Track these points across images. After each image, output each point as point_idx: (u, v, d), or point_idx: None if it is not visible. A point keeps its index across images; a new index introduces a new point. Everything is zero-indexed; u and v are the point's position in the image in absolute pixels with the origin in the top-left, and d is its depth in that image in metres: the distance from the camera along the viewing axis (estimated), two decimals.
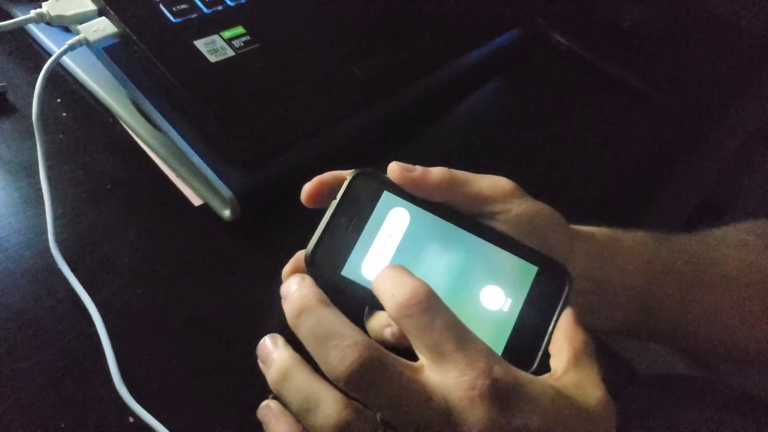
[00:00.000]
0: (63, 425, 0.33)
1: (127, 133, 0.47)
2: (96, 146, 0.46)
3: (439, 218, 0.34)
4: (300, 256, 0.33)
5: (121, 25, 0.43)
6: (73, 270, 0.38)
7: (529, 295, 0.33)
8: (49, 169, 0.40)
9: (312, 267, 0.32)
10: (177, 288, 0.40)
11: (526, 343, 0.32)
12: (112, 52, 0.43)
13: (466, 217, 0.35)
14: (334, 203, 0.33)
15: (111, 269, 0.40)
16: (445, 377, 0.27)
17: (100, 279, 0.39)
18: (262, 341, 0.30)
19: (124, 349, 0.36)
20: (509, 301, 0.33)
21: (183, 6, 0.46)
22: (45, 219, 0.39)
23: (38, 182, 0.40)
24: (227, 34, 0.46)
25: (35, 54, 0.49)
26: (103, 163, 0.45)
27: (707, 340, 0.47)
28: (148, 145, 0.46)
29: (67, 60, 0.48)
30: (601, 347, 0.72)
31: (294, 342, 0.29)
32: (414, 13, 0.57)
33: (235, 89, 0.45)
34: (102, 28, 0.43)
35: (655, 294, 0.42)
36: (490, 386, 0.26)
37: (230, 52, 0.46)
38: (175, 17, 0.45)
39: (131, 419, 0.34)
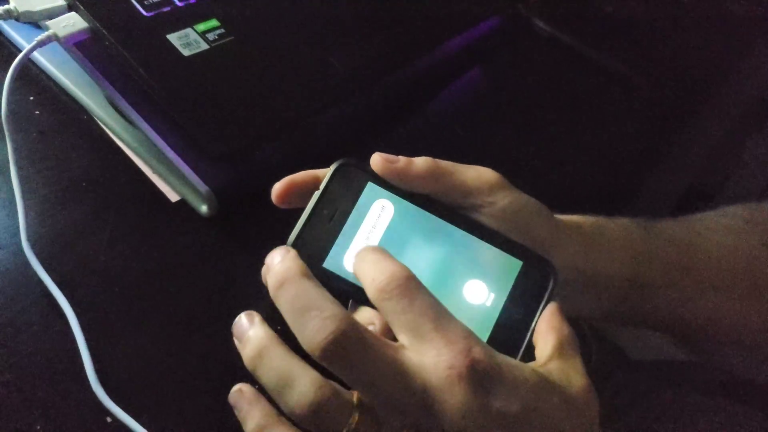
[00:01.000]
0: (39, 427, 0.33)
1: (101, 129, 0.46)
2: (70, 143, 0.45)
3: (423, 211, 0.34)
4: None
5: (91, 20, 0.42)
6: (48, 270, 0.37)
7: (513, 289, 0.33)
8: (21, 168, 0.40)
9: None
10: (154, 286, 0.40)
11: (510, 337, 0.32)
12: (83, 48, 0.43)
13: (451, 209, 0.35)
14: (317, 194, 0.33)
15: (87, 268, 0.39)
16: (423, 357, 0.26)
17: (76, 279, 0.38)
18: (237, 318, 0.30)
19: (100, 349, 0.36)
20: (492, 295, 0.33)
21: None
22: (17, 219, 0.38)
23: (9, 181, 0.39)
24: (201, 27, 0.46)
25: (6, 51, 0.48)
26: (78, 160, 0.44)
27: (694, 323, 0.47)
28: (123, 142, 0.45)
29: (39, 57, 0.47)
30: (592, 333, 0.73)
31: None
32: (392, 1, 0.56)
33: (210, 83, 0.44)
34: (72, 23, 0.42)
35: (641, 281, 0.42)
36: (468, 366, 0.26)
37: (204, 46, 0.45)
38: (147, 11, 0.45)
39: (109, 419, 0.34)
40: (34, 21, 0.42)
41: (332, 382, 0.27)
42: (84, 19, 0.42)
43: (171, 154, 0.42)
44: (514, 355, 0.31)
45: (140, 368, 0.36)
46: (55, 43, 0.42)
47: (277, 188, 0.34)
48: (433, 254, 0.33)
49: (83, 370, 0.34)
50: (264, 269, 0.30)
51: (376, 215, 0.33)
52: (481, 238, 0.34)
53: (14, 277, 0.37)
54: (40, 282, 0.37)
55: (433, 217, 0.34)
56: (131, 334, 0.37)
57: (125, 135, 0.45)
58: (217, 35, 0.46)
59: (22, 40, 0.47)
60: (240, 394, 0.30)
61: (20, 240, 0.38)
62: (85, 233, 0.41)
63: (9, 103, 0.39)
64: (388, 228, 0.33)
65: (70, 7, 0.43)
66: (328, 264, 0.32)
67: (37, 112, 0.46)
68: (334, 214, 0.33)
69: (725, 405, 0.54)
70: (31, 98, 0.47)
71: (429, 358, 0.26)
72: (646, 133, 0.65)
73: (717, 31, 0.74)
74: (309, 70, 0.48)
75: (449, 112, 0.57)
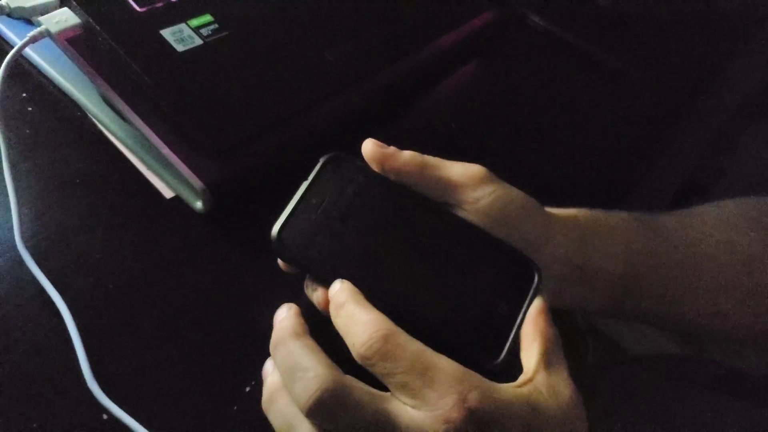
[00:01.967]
0: (35, 425, 0.33)
1: (96, 126, 0.46)
2: (64, 140, 0.45)
3: (410, 206, 0.34)
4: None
5: (84, 16, 0.42)
6: (42, 267, 0.37)
7: (497, 287, 0.33)
8: (14, 166, 0.39)
9: (278, 244, 0.32)
10: (149, 282, 0.39)
11: (493, 335, 0.32)
12: (75, 44, 0.43)
13: (438, 207, 0.35)
14: (306, 184, 0.33)
15: (81, 266, 0.39)
16: (417, 412, 0.26)
17: (70, 276, 0.38)
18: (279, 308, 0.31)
19: (95, 346, 0.35)
20: (477, 292, 0.33)
21: None
22: (11, 217, 0.38)
23: (3, 179, 0.39)
24: (195, 22, 0.46)
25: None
26: (72, 157, 0.44)
27: (689, 318, 0.47)
28: (117, 138, 0.45)
29: (31, 53, 0.46)
30: (589, 328, 0.73)
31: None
32: None
33: (204, 78, 0.44)
34: (64, 18, 0.42)
35: (636, 276, 0.42)
36: (465, 418, 0.26)
37: (198, 41, 0.45)
38: (140, 6, 0.44)
39: (105, 416, 0.34)
40: (26, 17, 0.42)
41: (344, 383, 0.27)
42: (76, 14, 0.42)
43: (165, 151, 0.42)
44: (497, 355, 0.31)
45: (136, 365, 0.36)
46: (47, 39, 0.42)
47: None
48: (419, 250, 0.33)
49: (78, 367, 0.34)
50: None
51: (364, 208, 0.34)
52: (467, 235, 0.34)
53: (8, 275, 0.37)
54: (35, 280, 0.37)
55: (419, 213, 0.34)
56: (126, 331, 0.37)
57: (119, 131, 0.45)
58: (211, 30, 0.46)
59: (14, 36, 0.46)
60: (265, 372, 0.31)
61: (14, 238, 0.38)
62: (80, 231, 0.40)
63: (1, 100, 0.39)
64: (375, 221, 0.33)
65: (63, 3, 0.42)
66: (312, 253, 0.32)
67: (30, 109, 0.46)
68: (322, 204, 0.33)
69: (721, 399, 0.54)
70: (24, 95, 0.46)
71: (423, 414, 0.26)
72: (641, 127, 0.64)
73: (711, 25, 0.74)
74: (303, 65, 0.48)
75: (444, 107, 0.57)
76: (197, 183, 0.41)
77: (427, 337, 0.30)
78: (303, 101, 0.46)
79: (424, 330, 0.30)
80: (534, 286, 0.33)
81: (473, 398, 0.26)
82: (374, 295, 0.31)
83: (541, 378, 0.29)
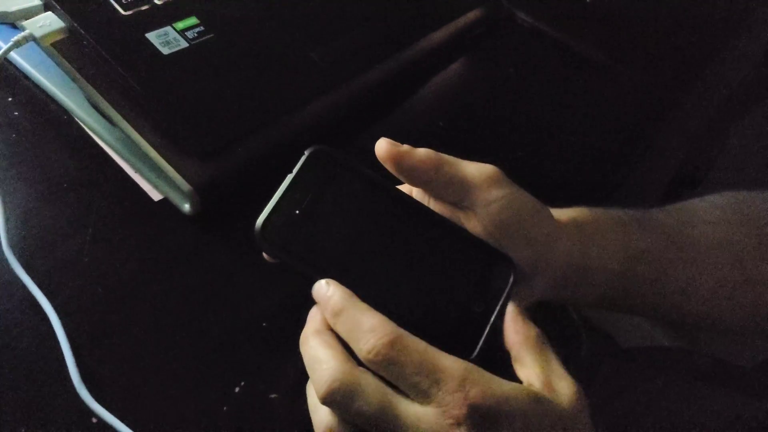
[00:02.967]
0: (23, 430, 0.33)
1: (82, 129, 0.46)
2: (50, 144, 0.45)
3: (392, 204, 0.34)
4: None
5: (68, 20, 0.42)
6: (29, 272, 0.37)
7: (473, 284, 0.33)
8: (0, 170, 0.39)
9: (260, 238, 0.32)
10: (137, 285, 0.39)
11: (468, 331, 0.32)
12: (61, 48, 0.42)
13: (419, 205, 0.35)
14: (290, 177, 0.33)
15: (69, 270, 0.39)
16: (423, 409, 0.28)
17: (58, 280, 0.38)
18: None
19: (84, 350, 0.36)
20: (454, 289, 0.33)
21: None
22: None
23: None
24: (180, 25, 0.45)
25: None
26: (59, 161, 0.44)
27: (684, 312, 0.47)
28: (104, 141, 0.45)
29: (16, 57, 0.46)
30: (583, 322, 0.73)
31: None
32: None
33: (190, 81, 0.44)
34: (48, 23, 0.42)
35: (634, 274, 0.42)
36: (467, 414, 0.27)
37: (184, 44, 0.45)
38: (125, 9, 0.44)
39: (94, 420, 0.34)
40: (9, 21, 0.42)
41: (354, 375, 0.28)
42: (61, 18, 0.42)
43: (153, 153, 0.42)
44: (472, 349, 0.32)
45: (125, 368, 0.36)
46: (32, 44, 0.42)
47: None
48: (398, 246, 0.34)
49: (67, 371, 0.34)
50: None
51: (347, 203, 0.34)
52: (445, 234, 0.35)
53: None
54: (22, 285, 0.37)
55: (401, 209, 0.35)
56: (115, 334, 0.37)
57: (106, 135, 0.45)
58: (197, 33, 0.46)
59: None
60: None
61: (0, 242, 0.38)
62: (67, 234, 0.40)
63: None
64: (357, 216, 0.34)
65: (47, 7, 0.42)
66: (296, 246, 0.32)
67: (16, 113, 0.46)
68: (306, 198, 0.33)
69: (712, 390, 0.54)
70: (9, 99, 0.46)
71: (430, 410, 0.28)
72: (630, 122, 0.65)
73: (698, 20, 0.74)
74: (289, 66, 0.48)
75: (432, 105, 0.57)
76: (185, 185, 0.41)
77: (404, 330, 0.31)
78: (289, 102, 0.46)
79: (402, 323, 0.31)
80: (510, 284, 0.33)
81: (475, 394, 0.28)
82: (355, 289, 0.31)
83: (538, 380, 0.30)
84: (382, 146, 0.34)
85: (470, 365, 0.29)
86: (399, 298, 0.32)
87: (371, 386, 0.28)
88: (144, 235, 0.42)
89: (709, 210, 0.49)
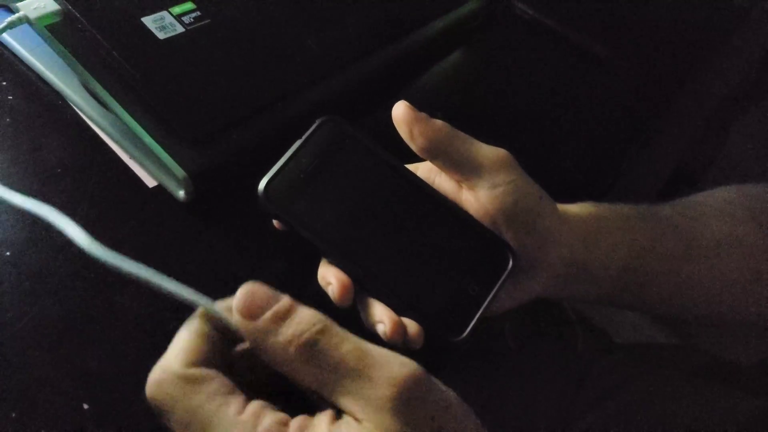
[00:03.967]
0: (13, 415, 0.33)
1: (77, 114, 0.45)
2: (44, 129, 0.44)
3: (397, 180, 0.35)
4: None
5: (64, 3, 0.41)
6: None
7: (471, 267, 0.34)
8: None
9: (264, 198, 0.33)
10: None
11: (461, 312, 0.33)
12: (55, 31, 0.42)
13: (424, 184, 0.36)
14: (298, 143, 0.34)
15: (62, 256, 0.39)
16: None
17: (51, 268, 0.38)
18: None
19: (74, 338, 0.35)
20: (452, 270, 0.34)
21: None
22: None
23: None
24: (176, 9, 0.45)
25: None
26: (53, 146, 0.44)
27: (688, 307, 0.47)
28: (99, 127, 0.45)
29: (10, 40, 0.46)
30: (579, 318, 0.73)
31: None
32: None
33: (186, 66, 0.43)
34: (43, 5, 0.41)
35: (638, 270, 0.42)
36: None
37: (180, 29, 0.44)
38: None
39: (86, 406, 0.34)
40: (4, 4, 0.42)
41: None
42: (56, 1, 0.41)
43: (147, 139, 0.41)
44: (461, 332, 0.32)
45: (117, 357, 0.36)
46: (26, 27, 0.41)
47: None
48: (399, 222, 0.34)
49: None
50: None
51: (352, 173, 0.34)
52: (449, 214, 0.35)
53: None
54: (12, 271, 0.37)
55: (405, 184, 0.35)
56: (106, 322, 0.37)
57: (101, 120, 0.44)
58: (193, 18, 0.45)
59: None
60: None
61: None
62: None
63: None
64: (361, 187, 0.34)
65: None
66: (297, 209, 0.33)
67: (10, 98, 0.45)
68: (311, 164, 0.34)
69: (707, 387, 0.54)
70: (3, 84, 0.46)
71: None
72: (629, 116, 0.65)
73: (698, 14, 0.74)
74: (286, 53, 0.47)
75: (429, 95, 0.57)
76: (179, 172, 0.41)
77: (398, 305, 0.32)
78: (285, 89, 0.46)
79: (396, 298, 0.32)
80: (507, 270, 0.34)
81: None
82: (350, 257, 0.32)
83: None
84: (400, 109, 0.34)
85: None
86: (395, 272, 0.33)
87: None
88: (138, 222, 0.42)
89: (717, 205, 0.48)
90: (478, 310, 0.33)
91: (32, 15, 0.41)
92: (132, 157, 0.44)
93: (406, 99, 0.48)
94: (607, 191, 0.63)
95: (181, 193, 0.42)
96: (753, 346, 0.65)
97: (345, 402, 0.24)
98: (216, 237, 0.42)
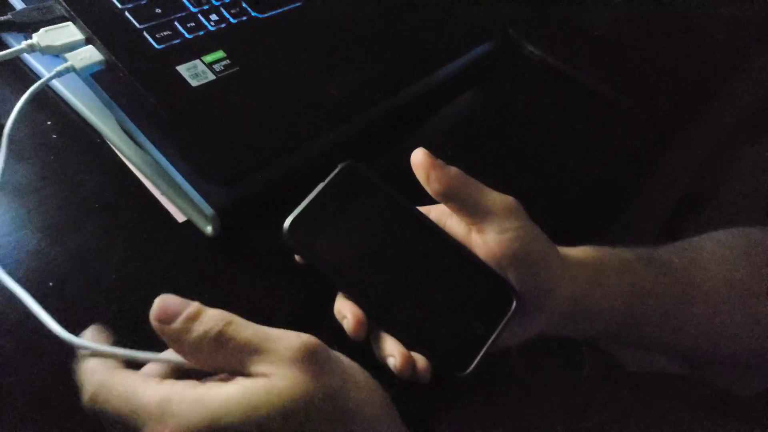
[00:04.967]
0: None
1: (114, 153, 0.49)
2: (84, 166, 0.48)
3: (412, 224, 0.38)
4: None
5: (107, 53, 0.45)
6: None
7: (477, 307, 0.36)
8: (36, 191, 0.43)
9: (288, 235, 0.36)
10: None
11: (466, 349, 0.35)
12: (98, 78, 0.46)
13: (435, 227, 0.38)
14: (321, 185, 0.37)
15: (96, 287, 0.42)
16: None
17: (84, 301, 0.41)
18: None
19: None
20: (459, 309, 0.36)
21: (166, 32, 0.48)
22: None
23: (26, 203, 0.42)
24: (208, 58, 0.49)
25: (30, 81, 0.51)
26: (91, 182, 0.47)
27: (686, 347, 0.49)
28: (134, 165, 0.48)
29: (58, 85, 0.50)
30: (586, 343, 0.74)
31: None
32: (387, 30, 0.59)
33: (215, 111, 0.47)
34: (89, 56, 0.45)
35: (638, 312, 0.44)
36: None
37: (211, 76, 0.48)
38: (158, 44, 0.48)
39: None
40: (56, 54, 0.45)
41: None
42: (100, 52, 0.45)
43: (178, 178, 0.45)
44: (465, 368, 0.35)
45: None
46: (73, 73, 0.45)
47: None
48: (413, 264, 0.37)
49: None
50: None
51: (372, 216, 0.37)
52: (458, 257, 0.38)
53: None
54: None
55: (420, 228, 0.38)
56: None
57: (136, 158, 0.48)
58: (224, 66, 0.49)
59: (44, 70, 0.50)
60: None
61: None
62: (98, 251, 0.43)
63: (18, 122, 0.41)
64: (380, 230, 0.37)
65: (88, 41, 0.46)
66: (319, 249, 0.36)
67: (54, 136, 0.49)
68: (332, 206, 0.37)
69: (713, 420, 0.55)
70: (48, 123, 0.50)
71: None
72: (635, 153, 0.67)
73: (702, 53, 0.76)
74: (308, 98, 0.51)
75: (441, 135, 0.60)
76: (207, 209, 0.44)
77: (408, 340, 0.35)
78: (307, 132, 0.49)
79: (406, 333, 0.35)
80: (510, 312, 0.36)
81: (174, 426, 0.27)
82: (365, 293, 0.35)
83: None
84: (419, 156, 0.37)
85: (170, 392, 0.28)
86: (406, 308, 0.36)
87: None
88: (167, 255, 0.45)
89: (717, 249, 0.50)
90: (483, 347, 0.35)
91: (78, 65, 0.44)
92: (163, 193, 0.47)
93: (419, 137, 0.51)
94: (615, 220, 0.65)
95: (209, 229, 0.45)
96: (753, 379, 0.66)
97: (254, 369, 0.29)
98: (241, 271, 0.45)
